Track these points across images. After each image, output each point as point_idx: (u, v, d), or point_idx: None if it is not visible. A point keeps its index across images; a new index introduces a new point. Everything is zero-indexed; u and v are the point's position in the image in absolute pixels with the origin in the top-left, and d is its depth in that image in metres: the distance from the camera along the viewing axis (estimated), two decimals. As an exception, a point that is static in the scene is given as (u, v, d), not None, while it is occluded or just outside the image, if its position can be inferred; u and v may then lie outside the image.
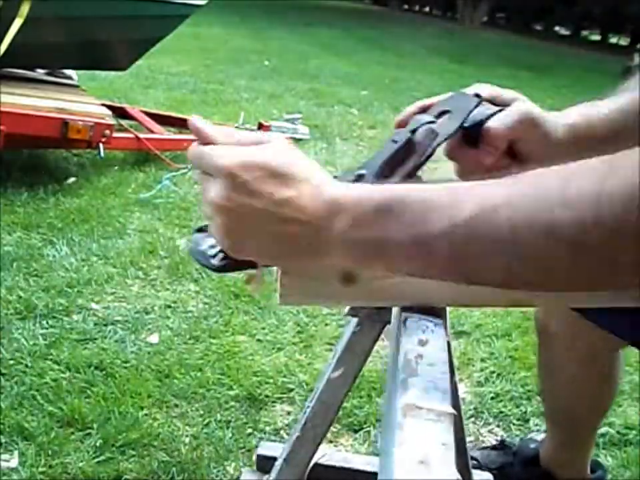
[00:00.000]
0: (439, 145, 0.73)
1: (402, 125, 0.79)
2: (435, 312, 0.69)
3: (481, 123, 0.76)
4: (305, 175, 0.59)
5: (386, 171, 0.72)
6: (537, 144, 0.78)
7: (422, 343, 0.63)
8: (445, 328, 0.71)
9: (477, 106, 0.75)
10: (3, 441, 1.46)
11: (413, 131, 0.74)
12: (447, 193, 0.54)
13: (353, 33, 12.70)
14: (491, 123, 0.76)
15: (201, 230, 0.70)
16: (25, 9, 2.69)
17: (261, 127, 3.98)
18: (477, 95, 0.77)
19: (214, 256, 0.67)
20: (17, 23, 2.69)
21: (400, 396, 0.53)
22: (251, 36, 9.64)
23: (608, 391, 1.32)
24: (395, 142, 0.74)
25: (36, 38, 2.83)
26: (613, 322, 1.10)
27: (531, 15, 23.35)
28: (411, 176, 0.73)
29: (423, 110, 0.80)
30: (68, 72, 3.52)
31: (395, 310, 0.72)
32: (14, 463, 1.41)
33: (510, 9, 24.52)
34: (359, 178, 0.72)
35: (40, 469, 1.40)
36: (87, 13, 3.06)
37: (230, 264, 0.66)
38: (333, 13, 18.37)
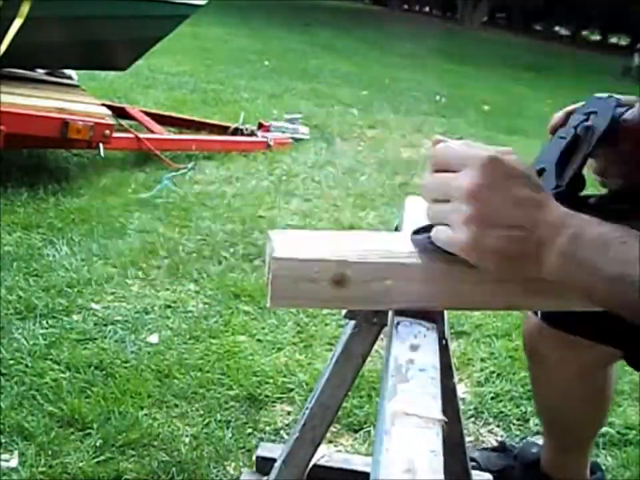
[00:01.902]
0: (598, 138, 0.83)
1: (554, 128, 0.89)
2: (428, 316, 0.69)
3: (618, 119, 0.86)
4: (541, 185, 0.66)
5: (562, 164, 0.82)
6: None
7: (413, 348, 0.63)
8: (443, 329, 0.71)
9: (617, 105, 0.86)
10: (3, 440, 1.46)
11: (575, 127, 0.84)
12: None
13: (353, 33, 12.70)
14: (627, 116, 0.85)
15: (418, 232, 0.73)
16: (25, 9, 2.69)
17: (261, 126, 3.98)
18: (611, 96, 0.87)
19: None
20: (17, 23, 2.68)
21: (389, 402, 0.53)
22: (251, 36, 9.64)
23: (601, 406, 1.32)
24: (563, 138, 0.84)
25: (36, 38, 2.83)
26: (610, 334, 1.10)
27: (531, 15, 23.34)
28: (582, 167, 0.82)
29: (569, 114, 0.90)
30: (68, 72, 3.52)
31: (390, 313, 0.72)
32: (14, 462, 1.41)
33: (510, 9, 24.51)
34: (541, 172, 0.82)
35: (40, 469, 1.40)
36: (87, 12, 3.06)
37: None
38: (333, 13, 18.36)
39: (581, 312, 0.74)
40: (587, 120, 0.85)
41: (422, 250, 0.70)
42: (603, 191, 0.95)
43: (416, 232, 0.72)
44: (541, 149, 0.86)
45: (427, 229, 0.70)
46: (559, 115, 0.91)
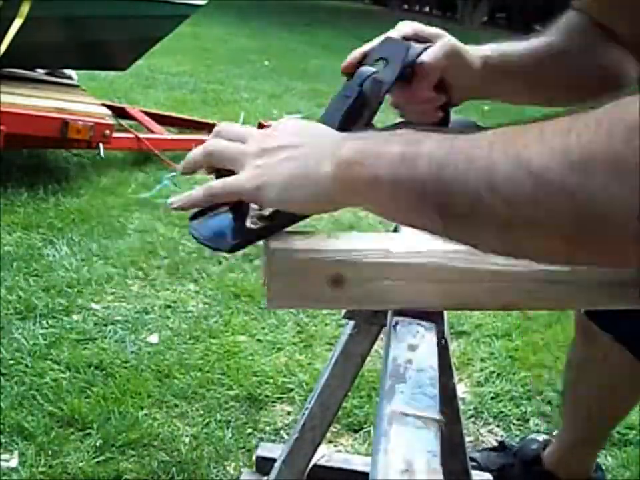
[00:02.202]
0: (385, 93, 0.78)
1: (348, 69, 0.85)
2: (427, 316, 0.69)
3: (413, 62, 0.82)
4: (315, 128, 0.66)
5: (345, 124, 0.76)
6: (462, 75, 0.85)
7: (412, 348, 0.63)
8: (443, 329, 0.71)
9: (408, 49, 0.80)
10: (3, 440, 1.46)
11: (361, 84, 0.78)
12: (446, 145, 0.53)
13: (353, 33, 12.69)
14: (424, 57, 0.82)
15: (195, 217, 0.72)
16: (25, 9, 2.69)
17: (261, 126, 3.97)
18: (405, 38, 0.83)
19: (225, 235, 0.69)
20: (17, 23, 2.68)
21: (387, 402, 0.53)
22: (251, 36, 9.63)
23: (635, 399, 1.31)
24: (348, 96, 0.79)
25: (36, 38, 2.83)
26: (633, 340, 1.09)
27: (531, 15, 23.35)
28: (368, 125, 0.77)
29: (363, 58, 0.85)
30: (68, 72, 3.51)
31: (389, 313, 0.73)
32: (14, 462, 1.41)
33: (510, 9, 24.52)
34: None
35: (40, 469, 1.40)
36: (87, 13, 3.06)
37: (242, 241, 0.68)
38: (333, 13, 18.36)
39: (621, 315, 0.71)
40: (375, 72, 0.79)
41: (195, 238, 0.69)
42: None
43: (193, 217, 0.72)
44: (328, 105, 0.80)
45: (203, 212, 0.70)
46: (354, 55, 0.85)
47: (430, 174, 0.51)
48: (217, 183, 0.68)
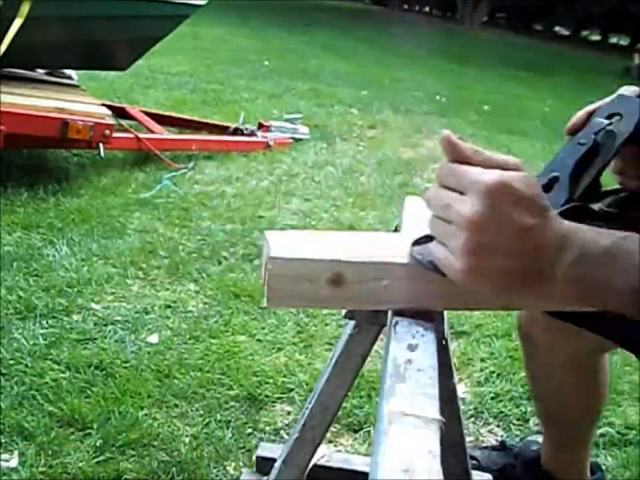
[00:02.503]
0: (620, 145, 0.79)
1: (573, 130, 0.85)
2: (427, 316, 0.69)
3: None
4: (546, 207, 0.63)
5: (577, 173, 0.77)
6: None
7: (411, 348, 0.63)
8: (442, 329, 0.71)
9: None
10: (3, 440, 1.46)
11: (596, 133, 0.80)
12: None
13: (353, 33, 12.70)
14: None
15: (418, 242, 0.70)
16: (25, 9, 2.69)
17: (261, 126, 3.98)
18: (639, 96, 0.83)
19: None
20: (17, 23, 2.68)
21: (387, 402, 0.53)
22: (251, 36, 9.63)
23: (596, 395, 1.32)
24: (581, 144, 0.79)
25: (36, 38, 2.83)
26: (607, 326, 1.10)
27: (531, 15, 23.33)
28: (599, 176, 0.79)
29: (590, 114, 0.85)
30: (68, 72, 3.52)
31: (389, 313, 0.72)
32: (14, 462, 1.41)
33: (510, 9, 24.50)
34: (554, 180, 0.78)
35: (40, 469, 1.40)
36: (87, 13, 3.06)
37: None
38: (332, 12, 18.35)
39: None
40: (610, 124, 0.80)
41: (417, 263, 0.68)
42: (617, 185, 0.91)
43: (417, 241, 0.70)
44: (557, 153, 0.81)
45: (428, 238, 0.68)
46: (579, 115, 0.86)
47: None
48: (434, 252, 0.65)
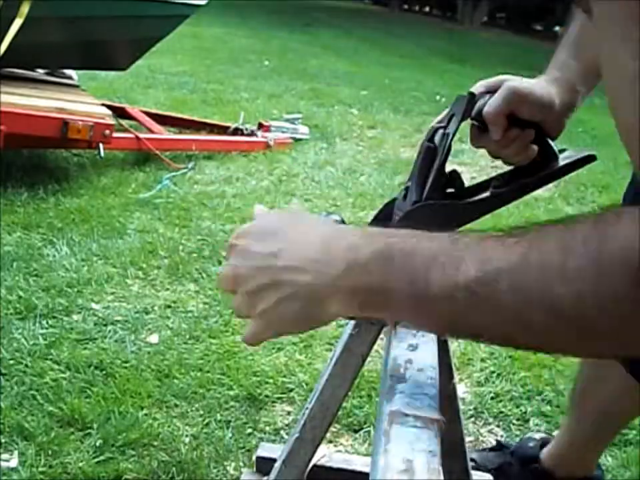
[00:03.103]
0: (450, 143, 0.86)
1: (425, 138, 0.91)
2: None
3: (480, 111, 0.88)
4: (295, 229, 0.61)
5: (420, 177, 0.86)
6: (535, 109, 0.88)
7: (412, 348, 0.63)
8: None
9: (470, 102, 0.88)
10: (3, 440, 1.46)
11: (430, 139, 0.88)
12: (450, 249, 0.53)
13: (353, 33, 12.69)
14: (486, 108, 0.87)
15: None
16: (24, 9, 2.69)
17: (261, 126, 3.98)
18: (470, 93, 0.89)
19: None
20: (17, 23, 2.68)
21: (387, 402, 0.53)
22: (251, 36, 9.63)
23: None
24: (419, 152, 0.88)
25: (36, 38, 2.83)
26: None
27: (531, 15, 23.33)
28: (442, 173, 0.86)
29: (440, 121, 0.92)
30: (68, 72, 3.52)
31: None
32: (14, 462, 1.41)
33: (510, 9, 24.50)
34: (407, 190, 0.87)
35: (40, 469, 1.40)
36: (87, 13, 3.06)
37: None
38: (332, 13, 18.35)
39: None
40: (445, 126, 0.87)
41: None
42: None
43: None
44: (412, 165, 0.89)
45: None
46: (430, 126, 0.92)
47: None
48: (247, 335, 0.66)
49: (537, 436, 1.51)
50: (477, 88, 0.92)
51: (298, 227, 0.62)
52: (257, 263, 0.60)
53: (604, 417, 1.33)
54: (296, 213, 0.69)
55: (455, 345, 2.01)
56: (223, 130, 3.90)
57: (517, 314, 0.50)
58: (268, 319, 0.61)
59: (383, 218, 0.91)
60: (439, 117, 0.92)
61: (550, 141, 0.91)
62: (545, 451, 1.43)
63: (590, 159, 0.91)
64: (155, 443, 1.51)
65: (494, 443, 1.61)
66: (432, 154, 0.86)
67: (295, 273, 0.58)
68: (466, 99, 0.88)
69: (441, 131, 0.87)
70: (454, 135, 0.86)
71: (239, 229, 0.65)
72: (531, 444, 1.47)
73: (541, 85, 0.91)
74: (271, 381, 1.77)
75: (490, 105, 0.87)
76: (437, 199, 0.85)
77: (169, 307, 2.09)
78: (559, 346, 0.52)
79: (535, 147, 0.91)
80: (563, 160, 0.92)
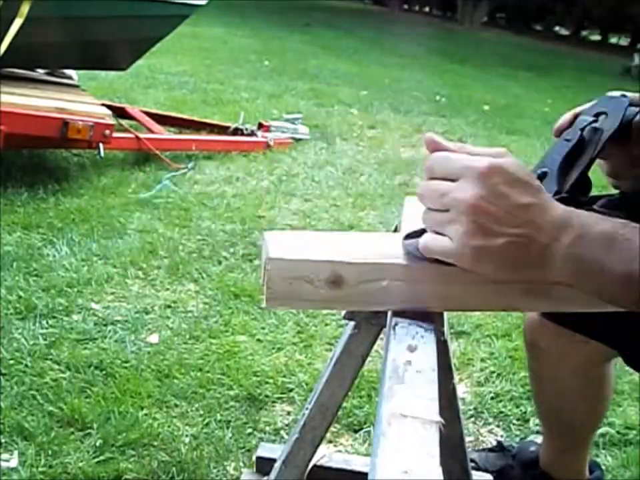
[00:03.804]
0: (606, 140, 0.81)
1: (560, 130, 0.87)
2: (426, 316, 0.69)
3: (631, 119, 0.84)
4: (540, 188, 0.65)
5: (566, 167, 0.80)
6: None
7: (411, 349, 0.63)
8: (442, 330, 0.71)
9: (628, 104, 0.83)
10: (3, 440, 1.46)
11: (582, 129, 0.82)
12: None
13: (353, 33, 12.70)
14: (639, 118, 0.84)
15: (410, 237, 0.72)
16: (24, 9, 2.69)
17: (261, 126, 3.98)
18: (624, 96, 0.85)
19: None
20: (17, 23, 2.68)
21: (386, 403, 0.53)
22: (251, 36, 9.64)
23: (601, 400, 1.32)
24: (568, 140, 0.82)
25: (36, 38, 2.83)
26: (607, 334, 1.10)
27: (531, 15, 23.33)
28: (586, 171, 0.81)
29: (577, 115, 0.87)
30: (68, 72, 3.52)
31: (389, 313, 0.72)
32: (14, 462, 1.41)
33: (510, 9, 24.49)
34: (543, 175, 0.80)
35: (40, 469, 1.40)
36: (87, 13, 3.06)
37: None
38: (332, 13, 18.35)
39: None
40: (595, 121, 0.83)
41: (409, 254, 0.69)
42: (613, 191, 0.93)
43: (408, 236, 0.72)
44: (545, 152, 0.84)
45: (419, 233, 0.69)
46: (565, 117, 0.89)
47: None
48: (431, 243, 0.66)
49: (539, 439, 1.51)
50: (621, 92, 0.88)
51: (536, 187, 0.65)
52: (508, 207, 0.62)
53: (565, 419, 1.33)
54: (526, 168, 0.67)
55: (455, 345, 2.01)
56: (223, 130, 3.90)
57: None
58: (479, 254, 0.63)
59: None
60: (576, 110, 0.88)
61: None
62: (541, 454, 1.44)
63: None
64: (155, 443, 1.51)
65: (494, 443, 1.61)
66: (581, 146, 0.82)
67: (540, 230, 0.62)
68: (623, 100, 0.84)
69: (593, 125, 0.82)
70: (611, 134, 0.81)
71: (488, 161, 0.63)
72: (532, 448, 1.47)
73: None
74: (270, 380, 1.77)
75: None
76: (576, 195, 0.80)
77: (169, 306, 2.09)
78: None
79: None
80: None
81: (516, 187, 0.63)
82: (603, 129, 0.82)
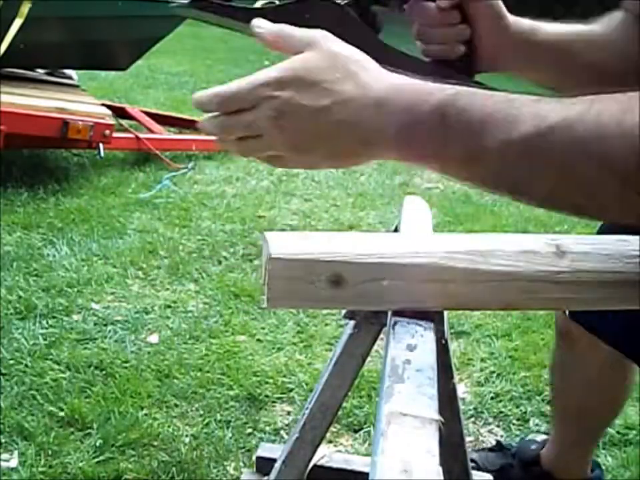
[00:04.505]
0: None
1: None
2: (426, 316, 0.69)
3: None
4: (344, 76, 0.59)
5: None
6: (484, 9, 0.82)
7: (410, 348, 0.63)
8: (442, 329, 0.71)
9: None
10: (3, 440, 1.46)
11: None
12: (505, 106, 0.54)
13: (353, 33, 12.68)
14: None
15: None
16: (24, 9, 2.69)
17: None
18: None
19: None
20: (17, 23, 2.68)
21: (385, 403, 0.53)
22: (251, 36, 9.63)
23: (623, 396, 1.32)
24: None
25: (36, 38, 2.83)
26: (624, 343, 1.10)
27: (530, 14, 23.35)
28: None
29: None
30: (68, 72, 3.52)
31: (389, 313, 0.73)
32: (14, 462, 1.41)
33: (509, 9, 24.52)
34: None
35: (40, 469, 1.40)
36: (87, 13, 3.06)
37: None
38: (333, 12, 18.34)
39: (607, 315, 0.72)
40: None
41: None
42: None
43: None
44: None
45: None
46: None
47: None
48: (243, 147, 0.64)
49: (539, 438, 1.51)
50: None
51: (349, 79, 0.59)
52: (307, 119, 0.59)
53: (584, 412, 1.33)
54: (343, 57, 0.61)
55: (454, 345, 2.01)
56: (223, 130, 3.90)
57: (567, 167, 0.51)
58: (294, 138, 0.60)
59: None
60: None
61: (469, 61, 0.83)
62: (543, 452, 1.44)
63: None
64: (155, 443, 1.51)
65: (494, 443, 1.61)
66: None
67: (350, 128, 0.58)
68: None
69: None
70: None
71: (272, 73, 0.60)
72: (532, 446, 1.47)
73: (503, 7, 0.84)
74: (270, 380, 1.77)
75: None
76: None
77: (169, 307, 2.09)
78: (601, 200, 0.52)
79: (463, 48, 0.83)
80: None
81: (312, 90, 0.59)
82: None
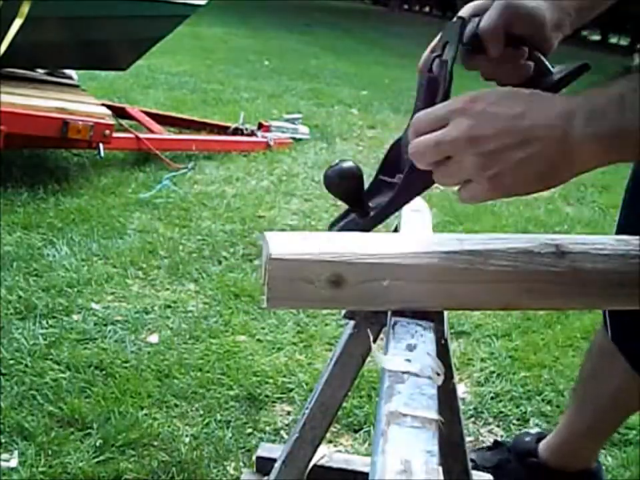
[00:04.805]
0: (451, 70, 0.83)
1: (424, 70, 0.87)
2: (426, 316, 0.69)
3: (475, 33, 0.84)
4: (530, 92, 0.64)
5: (425, 108, 0.80)
6: (524, 22, 0.83)
7: (410, 348, 0.63)
8: (442, 329, 0.71)
9: (463, 25, 0.84)
10: (3, 440, 1.46)
11: (429, 70, 0.84)
12: None
13: (353, 33, 12.70)
14: (482, 25, 0.83)
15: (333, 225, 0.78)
16: (24, 8, 2.69)
17: (261, 126, 3.98)
18: (460, 17, 0.85)
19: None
20: (17, 23, 2.68)
21: (385, 403, 0.53)
22: (250, 36, 9.64)
23: None
24: (422, 84, 0.85)
25: (36, 38, 2.83)
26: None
27: None
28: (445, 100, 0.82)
29: (432, 53, 0.88)
30: (68, 72, 3.52)
31: (389, 313, 0.73)
32: (14, 462, 1.41)
33: None
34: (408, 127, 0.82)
35: (40, 469, 1.40)
36: (87, 13, 3.06)
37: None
38: (332, 13, 18.35)
39: None
40: (441, 54, 0.84)
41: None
42: None
43: (333, 224, 0.76)
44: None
45: (342, 216, 0.73)
46: (424, 55, 0.88)
47: None
48: (464, 194, 0.66)
49: (533, 431, 1.52)
50: (465, 12, 0.88)
51: (526, 94, 0.65)
52: (502, 124, 0.62)
53: (604, 409, 1.33)
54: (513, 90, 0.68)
55: (454, 345, 2.01)
56: (222, 130, 3.90)
57: None
58: (501, 181, 0.63)
59: (393, 158, 0.89)
60: (431, 46, 0.88)
61: (542, 57, 0.87)
62: (543, 443, 1.43)
63: (584, 68, 0.87)
64: (155, 443, 1.51)
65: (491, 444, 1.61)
66: (434, 84, 0.83)
67: (545, 130, 0.61)
68: (458, 23, 0.84)
69: (437, 60, 0.84)
70: (453, 61, 0.83)
71: (468, 95, 0.65)
72: (527, 438, 1.48)
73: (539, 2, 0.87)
74: (270, 380, 1.77)
75: (486, 22, 0.84)
76: None
77: (169, 307, 2.09)
78: None
79: (531, 64, 0.87)
80: (557, 74, 0.88)
81: (503, 102, 0.63)
82: (447, 60, 0.83)
